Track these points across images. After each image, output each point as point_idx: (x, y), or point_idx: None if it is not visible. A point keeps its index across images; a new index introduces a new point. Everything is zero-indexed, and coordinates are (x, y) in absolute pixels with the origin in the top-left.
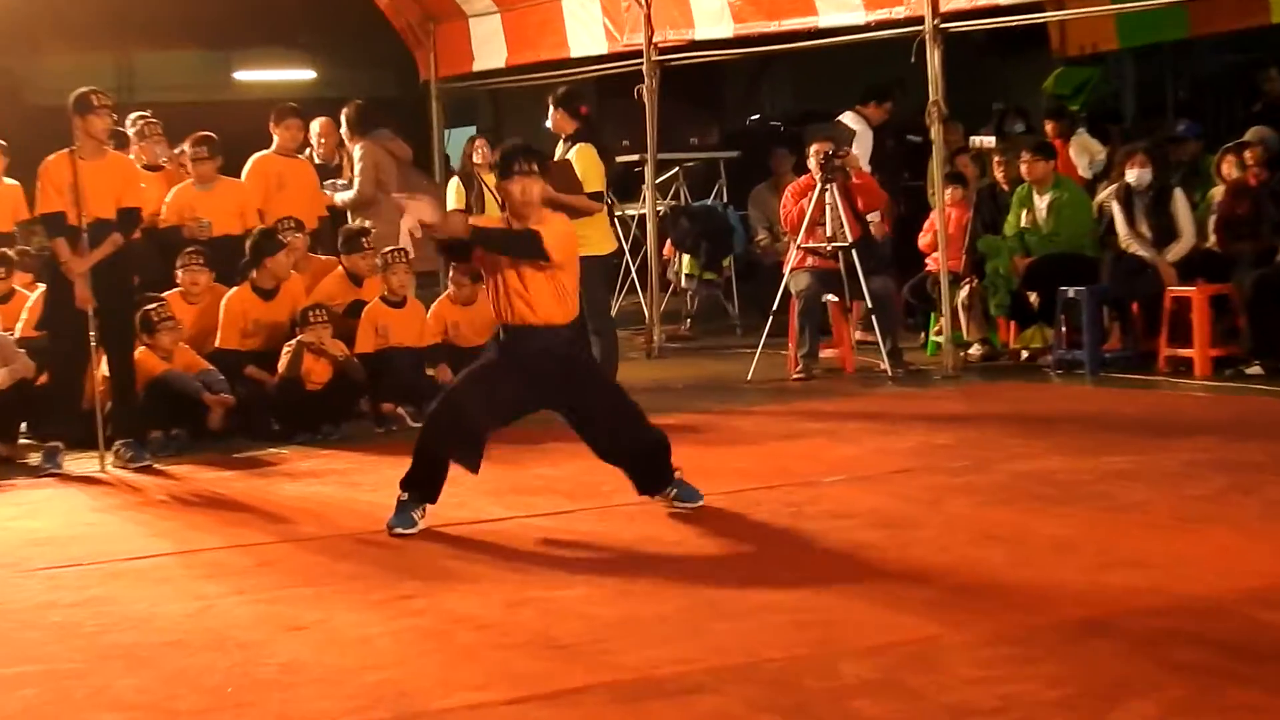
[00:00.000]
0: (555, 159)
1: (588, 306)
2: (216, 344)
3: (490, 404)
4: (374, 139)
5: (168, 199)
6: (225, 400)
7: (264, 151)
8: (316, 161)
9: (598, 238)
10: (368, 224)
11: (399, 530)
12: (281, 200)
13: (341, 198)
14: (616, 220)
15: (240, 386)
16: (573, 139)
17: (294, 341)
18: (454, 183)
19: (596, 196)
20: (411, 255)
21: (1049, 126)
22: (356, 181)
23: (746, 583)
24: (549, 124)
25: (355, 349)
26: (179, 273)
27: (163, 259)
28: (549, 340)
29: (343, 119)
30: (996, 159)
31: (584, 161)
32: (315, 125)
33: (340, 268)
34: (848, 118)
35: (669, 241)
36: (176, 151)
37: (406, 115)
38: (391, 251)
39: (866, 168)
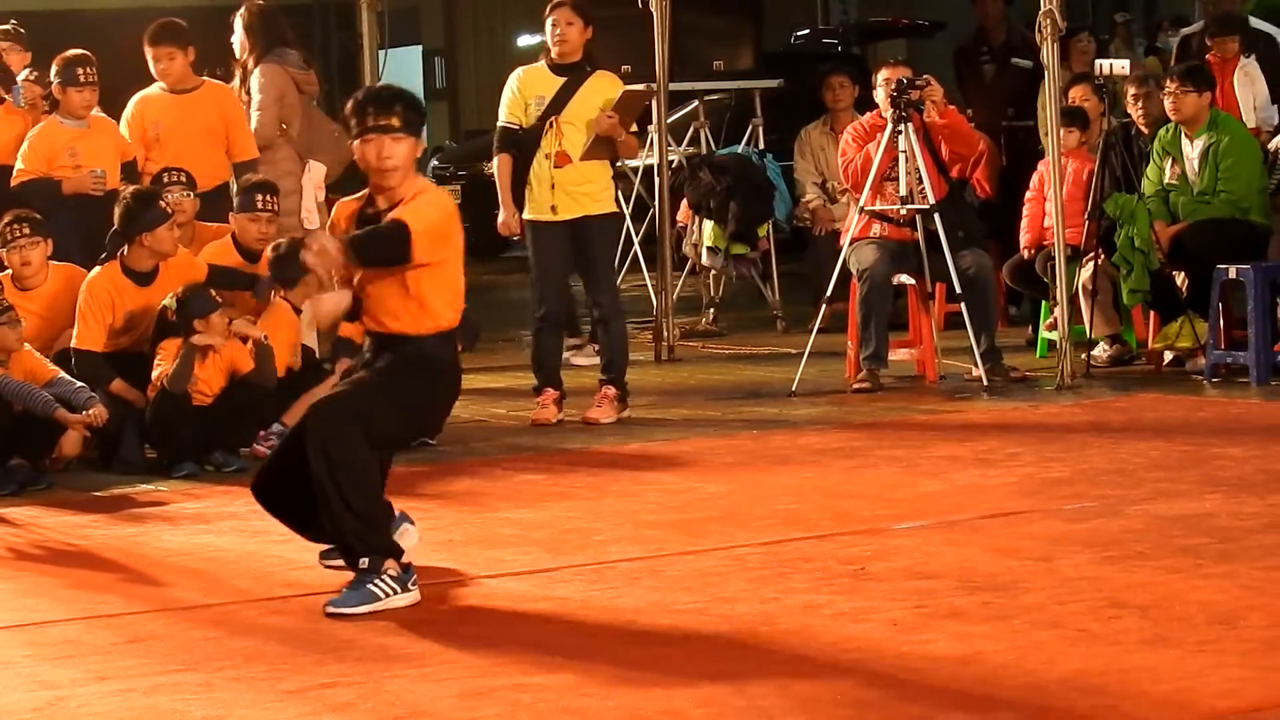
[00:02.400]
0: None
1: (595, 282)
2: (72, 344)
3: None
4: (278, 61)
5: (28, 142)
6: (95, 418)
7: (148, 91)
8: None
9: (611, 191)
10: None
11: (355, 610)
12: (162, 158)
13: None
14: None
15: (102, 400)
16: (586, 66)
17: (173, 342)
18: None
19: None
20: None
21: (1221, 47)
22: (254, 116)
23: (791, 666)
24: (559, 37)
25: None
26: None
27: None
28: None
29: (238, 26)
30: (1132, 90)
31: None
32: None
33: (230, 235)
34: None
35: (685, 203)
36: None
37: (327, 27)
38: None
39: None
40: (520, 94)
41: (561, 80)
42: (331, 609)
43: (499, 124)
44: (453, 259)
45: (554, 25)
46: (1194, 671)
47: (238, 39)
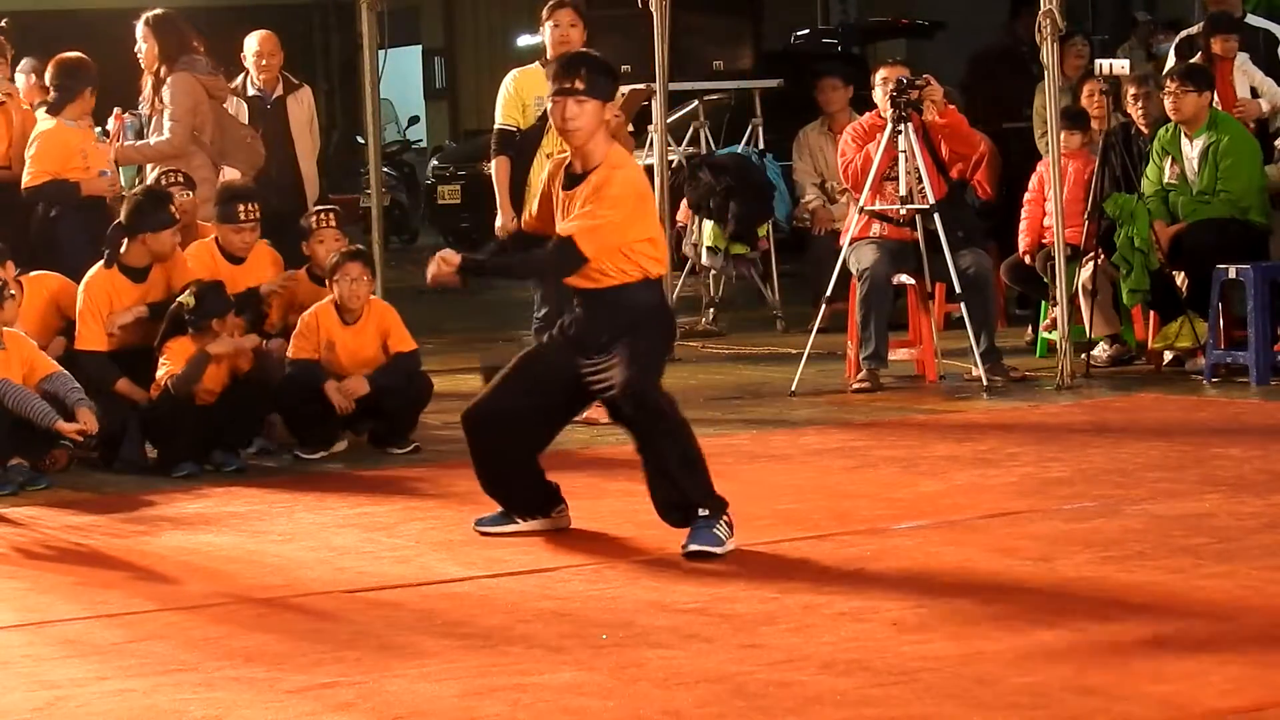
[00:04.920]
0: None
1: None
2: (75, 345)
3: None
4: (189, 69)
5: (38, 146)
6: (86, 427)
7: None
8: (251, 92)
9: None
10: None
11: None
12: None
13: (140, 146)
14: None
15: (103, 401)
16: None
17: (179, 342)
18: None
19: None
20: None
21: (1216, 45)
22: (167, 125)
23: (790, 666)
24: (563, 38)
25: None
26: None
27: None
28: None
29: (141, 33)
30: (1132, 90)
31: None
32: (253, 42)
33: (214, 239)
34: None
35: (684, 203)
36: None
37: (327, 27)
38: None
39: None
40: (518, 95)
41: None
42: (695, 547)
43: (496, 126)
44: (648, 222)
45: (556, 26)
46: (1194, 671)
47: (143, 50)
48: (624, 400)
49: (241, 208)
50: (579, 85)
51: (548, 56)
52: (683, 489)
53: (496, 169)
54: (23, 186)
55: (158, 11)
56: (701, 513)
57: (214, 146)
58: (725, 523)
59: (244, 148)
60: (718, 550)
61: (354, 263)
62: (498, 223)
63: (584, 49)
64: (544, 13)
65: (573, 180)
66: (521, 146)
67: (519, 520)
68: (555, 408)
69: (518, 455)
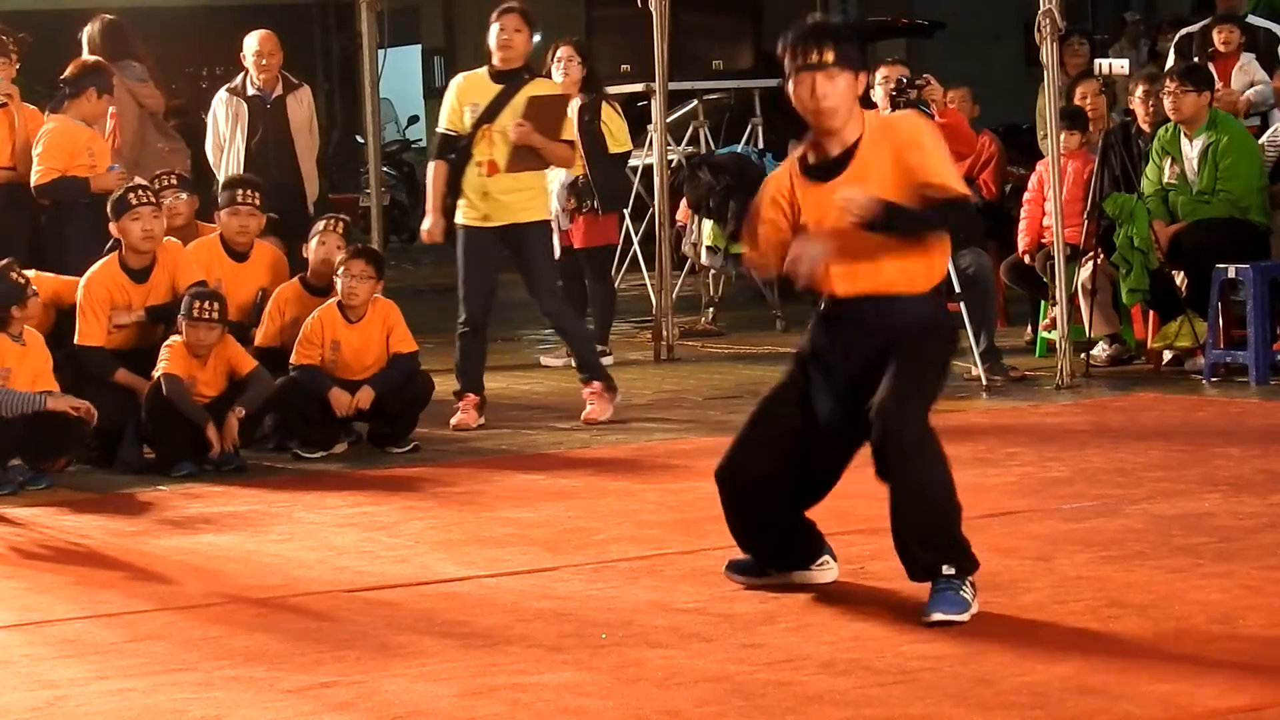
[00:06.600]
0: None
1: (535, 287)
2: (75, 341)
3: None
4: (120, 73)
5: (44, 144)
6: (77, 404)
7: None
8: (251, 92)
9: (544, 199)
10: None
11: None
12: None
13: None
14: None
15: (104, 400)
16: (525, 74)
17: (179, 342)
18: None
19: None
20: None
21: (1219, 37)
22: None
23: (789, 666)
24: (505, 42)
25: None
26: None
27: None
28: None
29: (85, 42)
30: (1143, 88)
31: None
32: (252, 41)
33: (218, 235)
34: None
35: (684, 202)
36: None
37: (327, 27)
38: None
39: None
40: (458, 100)
41: (499, 88)
42: (938, 616)
43: (439, 130)
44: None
45: (501, 30)
46: (1194, 671)
47: (85, 52)
48: (874, 423)
49: (240, 193)
50: (828, 58)
51: (493, 61)
52: (926, 541)
53: (433, 173)
54: (33, 184)
55: (105, 19)
56: (946, 570)
57: (129, 155)
58: (970, 583)
59: (160, 161)
60: (962, 618)
61: (357, 260)
62: (424, 226)
63: (824, 19)
64: (492, 15)
65: (818, 171)
66: (461, 151)
67: (772, 572)
68: (824, 455)
69: (779, 512)
